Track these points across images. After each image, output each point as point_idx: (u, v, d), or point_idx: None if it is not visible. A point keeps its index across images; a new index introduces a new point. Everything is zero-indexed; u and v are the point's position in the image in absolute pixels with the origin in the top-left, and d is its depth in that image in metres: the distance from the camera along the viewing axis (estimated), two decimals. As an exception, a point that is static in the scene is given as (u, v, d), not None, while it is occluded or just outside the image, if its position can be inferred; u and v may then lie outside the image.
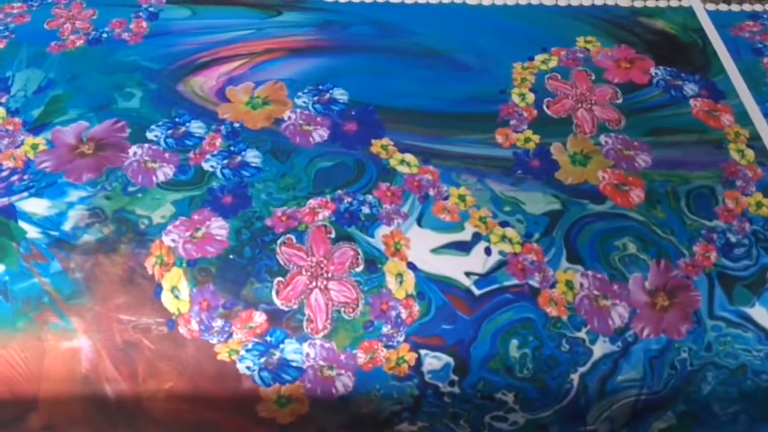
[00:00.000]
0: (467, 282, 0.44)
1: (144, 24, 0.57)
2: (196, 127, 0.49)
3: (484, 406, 0.43)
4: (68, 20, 0.57)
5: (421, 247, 0.44)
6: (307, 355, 0.43)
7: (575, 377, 0.43)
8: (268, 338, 0.42)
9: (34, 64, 0.53)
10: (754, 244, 0.46)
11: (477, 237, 0.45)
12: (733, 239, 0.46)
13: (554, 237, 0.45)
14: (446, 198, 0.46)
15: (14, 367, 0.42)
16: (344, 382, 0.43)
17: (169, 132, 0.49)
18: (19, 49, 0.54)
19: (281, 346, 0.42)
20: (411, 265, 0.44)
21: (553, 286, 0.44)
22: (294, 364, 0.42)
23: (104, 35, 0.56)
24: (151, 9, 0.58)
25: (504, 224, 0.45)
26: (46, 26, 0.56)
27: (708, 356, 0.44)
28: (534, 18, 0.60)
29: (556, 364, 0.43)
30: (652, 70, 0.56)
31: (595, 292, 0.44)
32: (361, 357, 0.43)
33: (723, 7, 0.62)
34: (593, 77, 0.55)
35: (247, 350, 0.42)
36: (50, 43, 0.55)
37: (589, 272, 0.44)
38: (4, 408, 0.42)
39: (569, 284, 0.44)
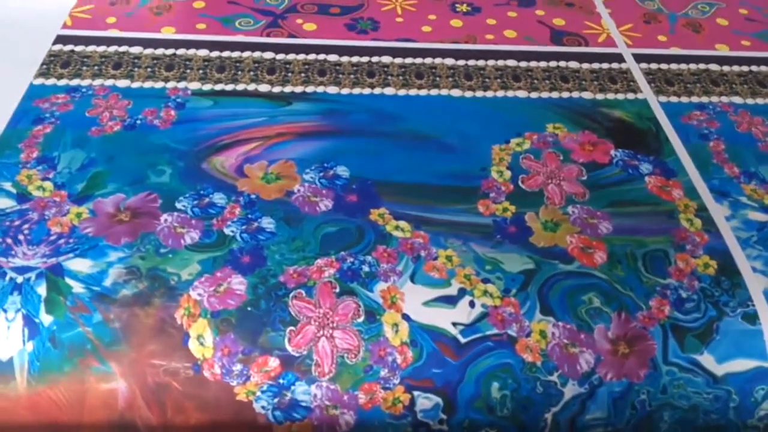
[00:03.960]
0: (454, 331, 0.50)
1: (173, 112, 0.65)
2: (218, 198, 0.57)
3: (470, 440, 0.49)
4: (106, 109, 0.65)
5: (414, 300, 0.51)
6: (315, 395, 0.48)
7: (548, 416, 0.49)
8: (280, 381, 0.48)
9: (77, 146, 0.60)
10: (702, 299, 0.52)
11: (462, 292, 0.51)
12: (684, 295, 0.52)
13: (529, 292, 0.52)
14: (435, 258, 0.53)
15: (60, 406, 0.47)
16: (347, 420, 0.48)
17: (195, 202, 0.56)
18: (64, 133, 0.62)
19: (292, 387, 0.48)
20: (405, 316, 0.50)
21: (528, 335, 0.50)
22: (303, 404, 0.48)
23: (138, 122, 0.63)
24: (178, 100, 0.66)
25: (486, 281, 0.52)
26: (87, 114, 0.64)
27: (664, 398, 0.50)
28: (510, 108, 0.68)
29: (531, 404, 0.49)
30: (612, 152, 0.64)
31: (565, 341, 0.50)
32: (362, 398, 0.48)
33: (674, 98, 0.71)
34: (561, 157, 0.63)
35: (263, 391, 0.48)
36: (91, 128, 0.62)
37: (560, 323, 0.51)
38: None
39: (543, 333, 0.50)
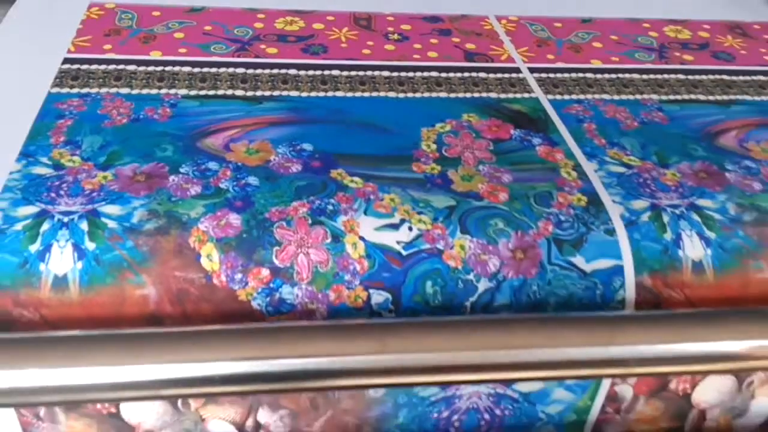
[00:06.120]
0: (398, 247, 0.67)
1: (168, 110, 0.81)
2: (212, 165, 0.72)
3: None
4: (114, 108, 0.81)
5: (368, 227, 0.67)
6: (297, 295, 0.64)
7: (468, 304, 0.66)
8: (271, 285, 0.64)
9: (95, 133, 0.75)
10: (576, 221, 0.71)
11: (403, 221, 0.67)
12: (563, 219, 0.71)
13: (452, 220, 0.70)
14: (382, 200, 0.70)
15: (105, 308, 0.61)
16: (321, 312, 0.64)
17: (195, 168, 0.72)
18: (83, 125, 0.76)
19: (280, 290, 0.64)
20: (362, 238, 0.66)
21: (452, 248, 0.68)
22: (288, 301, 0.64)
23: (141, 116, 0.80)
24: (171, 101, 0.83)
25: (420, 213, 0.69)
26: (99, 112, 0.79)
27: (549, 288, 0.67)
28: (434, 104, 0.86)
29: (455, 296, 0.65)
30: (512, 131, 0.84)
31: (479, 251, 0.68)
32: (332, 296, 0.65)
33: (558, 97, 0.92)
34: (474, 136, 0.83)
35: (258, 293, 0.64)
36: (104, 121, 0.78)
37: (474, 239, 0.69)
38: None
39: (462, 247, 0.68)
